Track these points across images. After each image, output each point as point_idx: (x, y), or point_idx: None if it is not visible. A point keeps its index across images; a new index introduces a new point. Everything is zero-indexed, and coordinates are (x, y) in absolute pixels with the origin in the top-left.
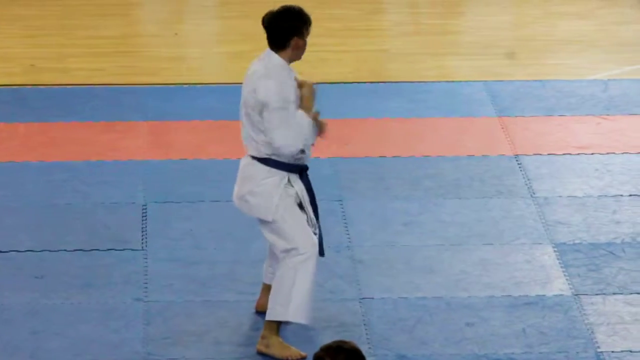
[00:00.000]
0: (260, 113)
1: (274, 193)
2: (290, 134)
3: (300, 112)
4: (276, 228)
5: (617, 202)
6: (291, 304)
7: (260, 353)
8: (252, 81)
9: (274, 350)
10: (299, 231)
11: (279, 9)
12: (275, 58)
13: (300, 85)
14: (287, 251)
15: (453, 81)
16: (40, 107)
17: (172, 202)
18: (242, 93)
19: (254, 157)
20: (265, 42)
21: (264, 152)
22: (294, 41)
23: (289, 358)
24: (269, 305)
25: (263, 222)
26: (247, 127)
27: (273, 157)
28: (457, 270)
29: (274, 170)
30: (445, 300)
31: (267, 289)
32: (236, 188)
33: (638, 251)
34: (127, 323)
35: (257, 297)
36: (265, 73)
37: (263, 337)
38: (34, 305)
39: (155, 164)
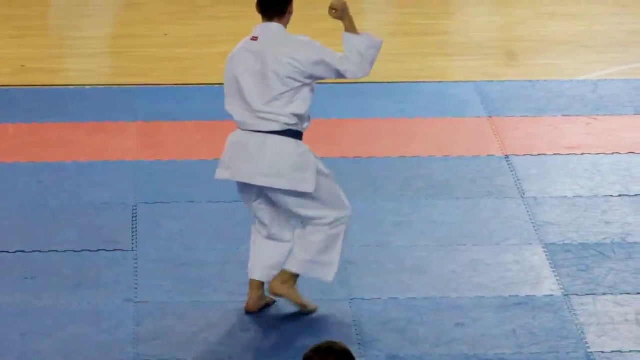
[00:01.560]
0: (307, 76)
1: (312, 163)
2: (356, 60)
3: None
4: (318, 198)
5: (606, 203)
6: (334, 266)
7: (273, 293)
8: (272, 52)
9: (293, 295)
10: (342, 196)
11: None
12: (277, 26)
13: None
14: (331, 223)
15: (443, 81)
16: (30, 107)
17: (162, 202)
18: (251, 69)
19: (270, 132)
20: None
21: (284, 124)
22: (290, 7)
23: (307, 306)
24: (299, 260)
25: (297, 197)
26: (264, 101)
27: (292, 128)
28: (447, 271)
29: (298, 141)
30: (435, 301)
31: (257, 287)
32: (252, 166)
33: (628, 251)
34: (117, 324)
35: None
36: (286, 38)
37: (284, 282)
38: (24, 306)
39: (145, 164)
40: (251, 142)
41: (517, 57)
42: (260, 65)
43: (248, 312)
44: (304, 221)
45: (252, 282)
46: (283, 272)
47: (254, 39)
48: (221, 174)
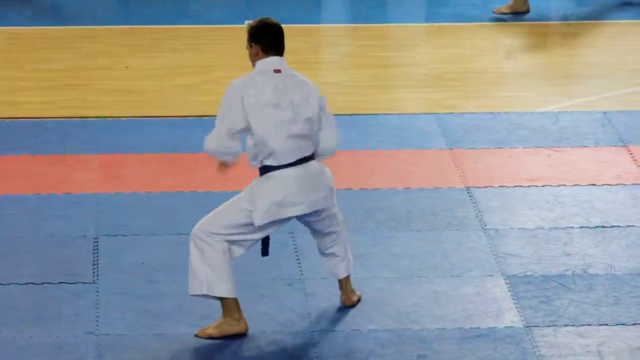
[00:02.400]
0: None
1: None
2: None
3: None
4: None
5: (567, 234)
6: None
7: (351, 305)
8: (306, 87)
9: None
10: None
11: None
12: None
13: None
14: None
15: (404, 114)
16: None
17: (123, 235)
18: (294, 100)
19: (306, 158)
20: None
21: (313, 150)
22: None
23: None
24: (347, 264)
25: (329, 210)
26: (306, 130)
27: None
28: (409, 303)
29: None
30: (397, 333)
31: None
32: (310, 195)
33: (589, 283)
34: (79, 357)
35: None
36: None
37: (352, 291)
38: None
39: (106, 197)
40: (302, 173)
41: (515, 56)
42: (308, 96)
43: (245, 334)
44: (331, 231)
45: (236, 302)
46: (347, 282)
47: (277, 71)
48: (286, 212)
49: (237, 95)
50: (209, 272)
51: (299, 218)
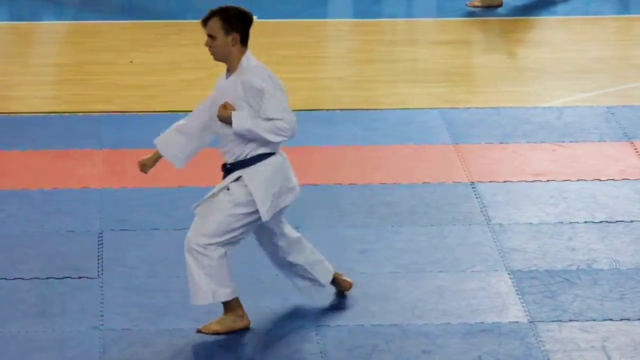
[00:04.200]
0: None
1: None
2: None
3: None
4: None
5: (572, 229)
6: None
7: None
8: None
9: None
10: None
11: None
12: None
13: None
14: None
15: (408, 108)
16: None
17: (127, 230)
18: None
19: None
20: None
21: None
22: None
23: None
24: (328, 266)
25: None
26: None
27: None
28: (413, 298)
29: None
30: (401, 328)
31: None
32: (294, 178)
33: (593, 278)
34: (83, 352)
35: None
36: None
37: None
38: None
39: (110, 191)
40: (285, 156)
41: (519, 51)
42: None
43: (248, 328)
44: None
45: (237, 301)
46: (336, 272)
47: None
48: (285, 200)
49: (276, 80)
50: (211, 282)
51: (265, 225)
